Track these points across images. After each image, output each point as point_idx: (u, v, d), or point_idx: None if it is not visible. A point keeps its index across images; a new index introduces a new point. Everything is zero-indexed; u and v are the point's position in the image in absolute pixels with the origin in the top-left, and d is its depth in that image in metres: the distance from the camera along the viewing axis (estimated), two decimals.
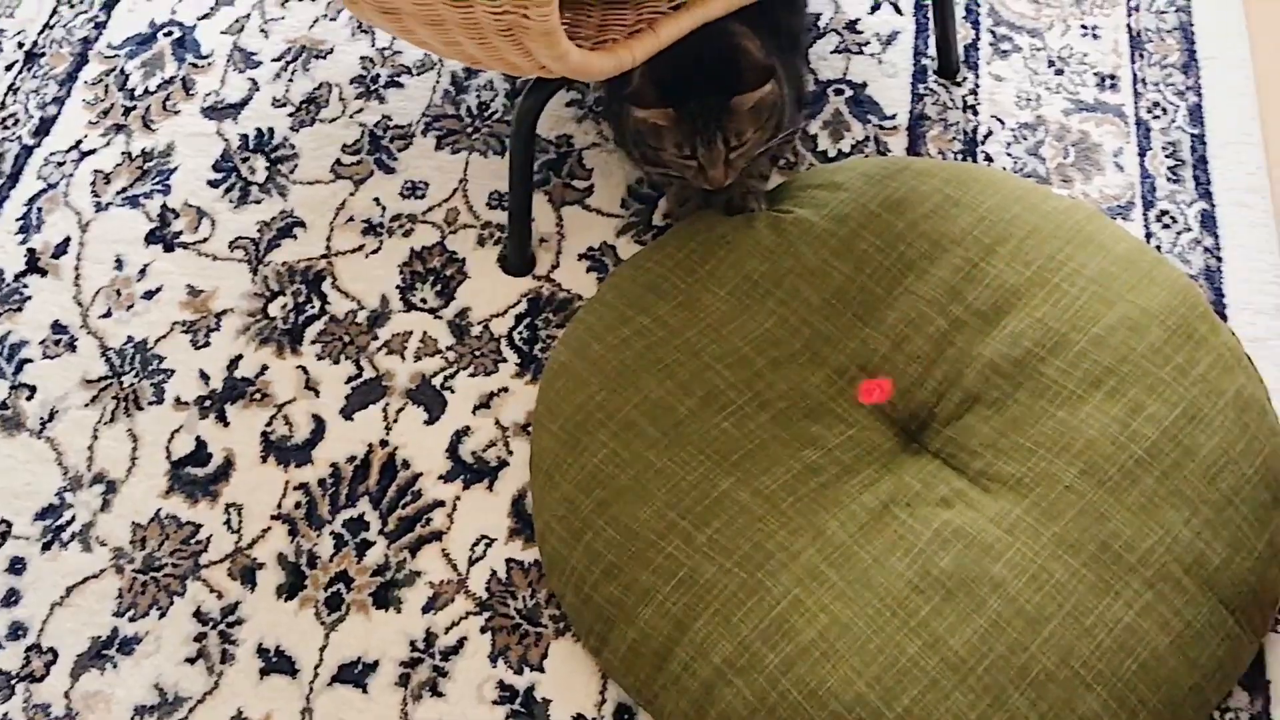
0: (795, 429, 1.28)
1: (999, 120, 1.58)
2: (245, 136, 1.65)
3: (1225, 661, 1.16)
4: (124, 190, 1.61)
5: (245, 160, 1.63)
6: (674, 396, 1.29)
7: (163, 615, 1.28)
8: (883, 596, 1.17)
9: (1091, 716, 1.10)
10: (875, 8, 1.71)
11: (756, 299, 1.36)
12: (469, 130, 1.63)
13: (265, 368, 1.44)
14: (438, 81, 1.68)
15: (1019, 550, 1.18)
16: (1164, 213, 1.49)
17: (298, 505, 1.34)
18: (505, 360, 1.43)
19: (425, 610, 1.27)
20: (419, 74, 1.69)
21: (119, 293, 1.52)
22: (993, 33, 1.68)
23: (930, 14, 1.66)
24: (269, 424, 1.40)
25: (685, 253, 1.41)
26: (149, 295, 1.51)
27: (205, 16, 1.79)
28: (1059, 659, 1.12)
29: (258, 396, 1.42)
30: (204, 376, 1.44)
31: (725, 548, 1.20)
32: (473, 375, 1.42)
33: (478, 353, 1.44)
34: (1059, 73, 1.63)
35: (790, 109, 1.43)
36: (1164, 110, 1.59)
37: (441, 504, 1.33)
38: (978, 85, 1.62)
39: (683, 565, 1.20)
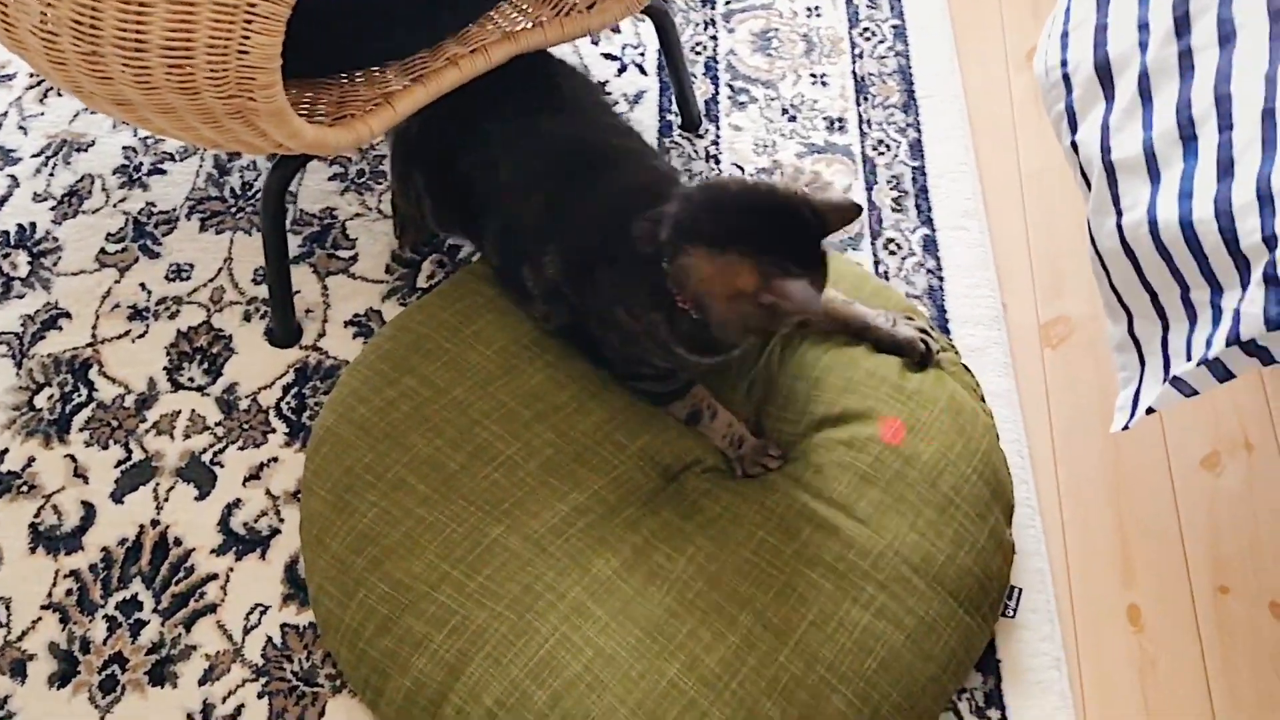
0: (563, 473, 1.33)
1: (738, 166, 1.69)
2: (6, 233, 1.65)
3: (959, 650, 1.26)
4: None
5: (6, 256, 1.63)
6: (443, 453, 1.34)
7: None
8: (644, 625, 1.23)
9: (838, 716, 1.18)
10: (622, 70, 1.82)
11: (525, 359, 1.41)
12: (233, 210, 1.67)
13: (32, 459, 1.45)
14: (201, 165, 1.71)
15: (764, 569, 1.26)
16: (890, 240, 1.62)
17: (69, 592, 1.34)
18: (274, 430, 1.46)
19: (202, 682, 1.28)
20: (182, 159, 1.72)
21: None
22: (731, 86, 1.80)
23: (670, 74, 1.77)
24: (37, 514, 1.40)
25: (450, 314, 1.45)
26: None
27: None
28: (805, 665, 1.20)
29: (25, 489, 1.42)
30: None
31: (495, 593, 1.25)
32: (242, 448, 1.45)
33: (246, 425, 1.47)
34: (792, 119, 1.75)
35: None
36: (888, 147, 1.72)
37: (215, 577, 1.35)
38: (719, 136, 1.73)
39: (455, 613, 1.24)
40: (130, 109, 1.32)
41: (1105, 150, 1.21)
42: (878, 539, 1.27)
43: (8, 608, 1.34)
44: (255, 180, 1.70)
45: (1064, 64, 1.29)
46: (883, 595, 1.24)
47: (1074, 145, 1.27)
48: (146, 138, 1.75)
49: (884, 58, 1.83)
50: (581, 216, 1.32)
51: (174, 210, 1.67)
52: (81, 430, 1.47)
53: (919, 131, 1.74)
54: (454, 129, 1.44)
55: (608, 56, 1.83)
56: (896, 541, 1.27)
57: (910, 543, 1.27)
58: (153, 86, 1.24)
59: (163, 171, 1.71)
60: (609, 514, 1.32)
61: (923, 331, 1.41)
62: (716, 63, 1.83)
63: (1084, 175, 1.27)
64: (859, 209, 1.23)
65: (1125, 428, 1.22)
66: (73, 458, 1.45)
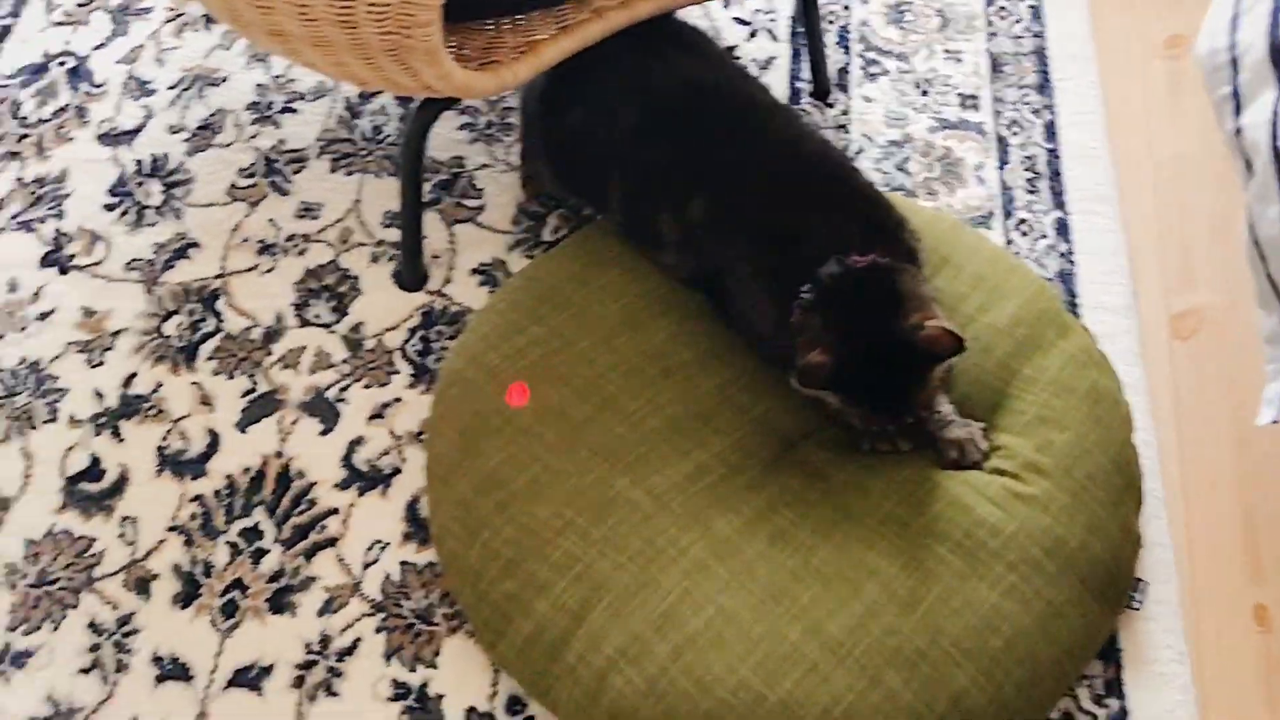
0: (686, 432, 1.33)
1: (869, 138, 1.67)
2: (140, 162, 1.67)
3: (1084, 637, 1.24)
4: (17, 215, 1.62)
5: (140, 184, 1.65)
6: (569, 403, 1.34)
7: (56, 628, 1.29)
8: (766, 587, 1.22)
9: (961, 692, 1.17)
10: (752, 35, 1.80)
11: (651, 315, 1.40)
12: (363, 153, 1.67)
13: (160, 384, 1.46)
14: (332, 107, 1.72)
15: (890, 540, 1.25)
16: (1022, 221, 1.59)
17: (193, 517, 1.36)
18: (398, 371, 1.47)
19: (320, 613, 1.29)
20: (313, 100, 1.73)
21: (12, 314, 1.53)
22: (863, 57, 1.78)
23: (804, 40, 1.75)
24: (164, 439, 1.42)
25: (579, 265, 1.45)
26: (43, 317, 1.53)
27: (100, 47, 1.81)
28: (930, 639, 1.19)
29: (153, 412, 1.44)
30: (98, 394, 1.46)
31: (619, 544, 1.25)
32: (366, 387, 1.46)
33: (371, 365, 1.48)
34: (924, 93, 1.73)
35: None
36: (1021, 127, 1.69)
37: (336, 511, 1.36)
38: (849, 106, 1.72)
39: (578, 561, 1.24)
40: (284, 40, 1.33)
41: (1275, 136, 1.18)
42: (1009, 520, 1.25)
43: (134, 527, 1.36)
44: (385, 125, 1.70)
45: (1233, 46, 1.26)
46: (1012, 575, 1.22)
47: (1238, 130, 1.24)
48: (279, 76, 1.76)
49: (1020, 37, 1.80)
50: (736, 170, 1.32)
51: (304, 149, 1.68)
52: (209, 359, 1.48)
53: (1053, 113, 1.71)
54: (574, 86, 1.45)
55: (739, 21, 1.82)
56: (1029, 524, 1.25)
57: (1042, 526, 1.25)
58: (313, 19, 1.25)
59: (294, 111, 1.72)
60: (731, 474, 1.31)
61: (973, 441, 1.31)
62: (849, 33, 1.80)
63: (1246, 162, 1.23)
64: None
65: (1275, 421, 1.19)
66: (199, 385, 1.46)
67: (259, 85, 1.75)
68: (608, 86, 1.42)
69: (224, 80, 1.76)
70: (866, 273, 1.23)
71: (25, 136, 1.71)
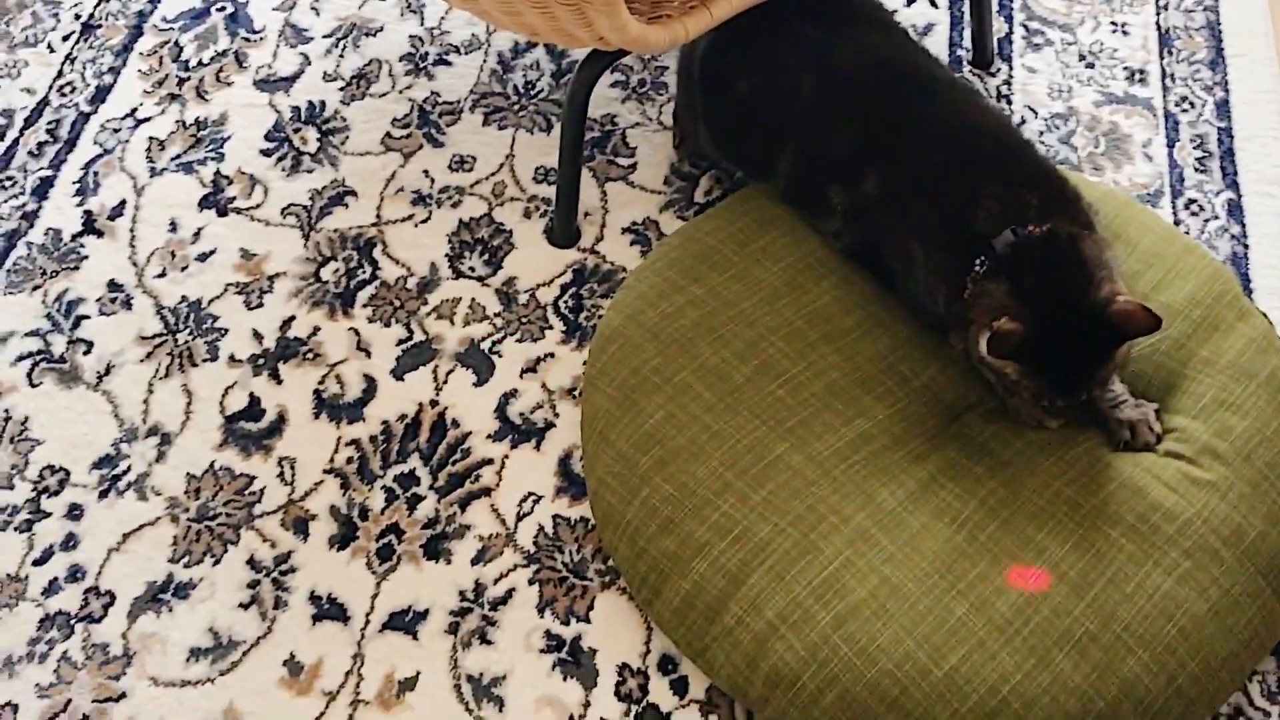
0: (847, 398, 1.30)
1: (1032, 110, 1.63)
2: (297, 108, 1.69)
3: (1261, 629, 1.19)
4: (178, 157, 1.65)
5: (297, 131, 1.66)
6: (729, 364, 1.32)
7: (216, 563, 1.31)
8: (931, 560, 1.20)
9: (1133, 678, 1.13)
10: (910, 1, 1.76)
11: (812, 278, 1.38)
12: (515, 107, 1.67)
13: (317, 329, 1.48)
14: (485, 60, 1.72)
15: (1060, 520, 1.21)
16: (1192, 201, 1.54)
17: (349, 460, 1.37)
18: (551, 327, 1.46)
19: (474, 562, 1.30)
20: (467, 53, 1.73)
21: (173, 254, 1.55)
22: (1025, 27, 1.73)
23: (966, 7, 1.71)
24: (321, 382, 1.43)
25: (738, 227, 1.43)
26: (203, 258, 1.55)
27: None
28: (1101, 622, 1.15)
29: (310, 356, 1.46)
30: (257, 336, 1.48)
31: (779, 508, 1.23)
32: (520, 341, 1.46)
33: (524, 319, 1.47)
34: (1090, 66, 1.68)
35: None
36: (1191, 104, 1.63)
37: (490, 462, 1.37)
38: (1011, 76, 1.67)
39: (738, 523, 1.23)
40: None
41: None
42: (1186, 506, 1.21)
43: (293, 468, 1.37)
44: (538, 80, 1.70)
45: None
46: (1187, 562, 1.18)
47: None
48: (433, 28, 1.76)
49: (1191, 11, 1.73)
50: (911, 143, 1.29)
51: (458, 102, 1.68)
52: (365, 306, 1.49)
53: (1226, 91, 1.64)
54: (740, 53, 1.43)
55: None
56: (1206, 510, 1.20)
57: (1220, 514, 1.21)
58: None
59: (448, 63, 1.72)
60: (894, 444, 1.29)
61: (1146, 423, 1.27)
62: (1011, 2, 1.75)
63: None
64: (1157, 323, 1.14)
65: None
66: (356, 331, 1.47)
67: (413, 36, 1.76)
68: (783, 56, 1.40)
69: (379, 30, 1.77)
70: (1048, 239, 1.20)
71: (185, 80, 1.73)
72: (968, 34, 1.69)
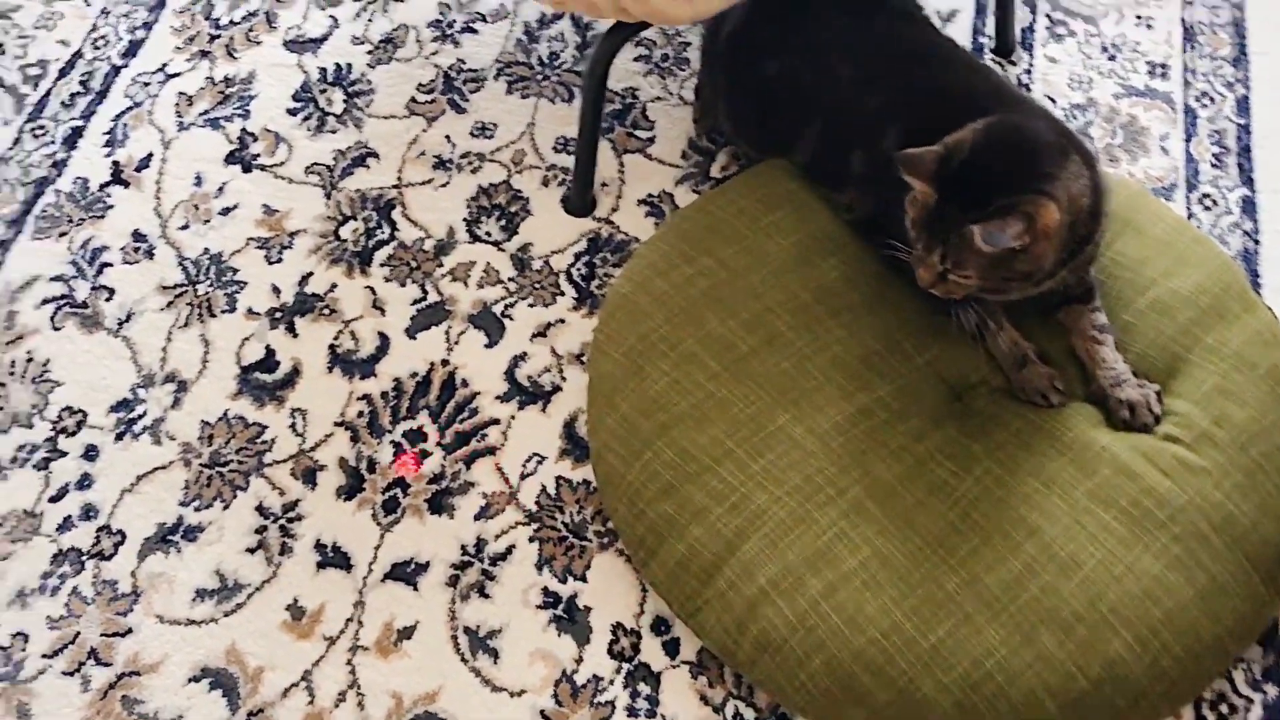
0: (850, 373, 1.32)
1: (1051, 99, 1.64)
2: (324, 70, 1.72)
3: (1247, 618, 1.20)
4: (206, 112, 1.68)
5: (323, 92, 1.69)
6: (735, 334, 1.34)
7: (226, 507, 1.34)
8: (924, 535, 1.22)
9: (1117, 658, 1.15)
10: None
11: (820, 255, 1.40)
12: (539, 77, 1.69)
13: (334, 285, 1.51)
14: (511, 30, 1.74)
15: (1053, 502, 1.23)
16: (1206, 195, 1.54)
17: (360, 414, 1.40)
18: (563, 294, 1.49)
19: (477, 518, 1.33)
20: (493, 22, 1.75)
21: (197, 207, 1.59)
22: (1049, 17, 1.73)
23: None
24: (336, 338, 1.46)
25: (750, 202, 1.45)
26: (226, 211, 1.58)
27: None
28: (1088, 602, 1.17)
29: (326, 311, 1.49)
30: (275, 290, 1.51)
31: (777, 478, 1.25)
32: (531, 305, 1.48)
33: (537, 285, 1.50)
34: (1111, 58, 1.68)
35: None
36: (1211, 100, 1.64)
37: (497, 421, 1.39)
38: (1032, 65, 1.68)
39: (736, 490, 1.25)
40: None
41: None
42: (1179, 492, 1.22)
43: (304, 418, 1.40)
44: (562, 51, 1.72)
45: None
46: (1177, 548, 1.19)
47: None
48: None
49: (1216, 7, 1.73)
50: (929, 105, 1.31)
51: (482, 70, 1.70)
52: (382, 265, 1.52)
53: (1247, 88, 1.65)
54: (765, 35, 1.44)
55: None
56: (1199, 497, 1.22)
57: (1213, 501, 1.22)
58: None
59: (474, 31, 1.74)
60: (893, 420, 1.30)
61: (1146, 404, 1.27)
62: None
63: None
64: None
65: None
66: (372, 290, 1.50)
67: (441, 3, 1.78)
68: (813, 41, 1.41)
69: None
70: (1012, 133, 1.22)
71: (216, 38, 1.76)
72: (991, 21, 1.70)
